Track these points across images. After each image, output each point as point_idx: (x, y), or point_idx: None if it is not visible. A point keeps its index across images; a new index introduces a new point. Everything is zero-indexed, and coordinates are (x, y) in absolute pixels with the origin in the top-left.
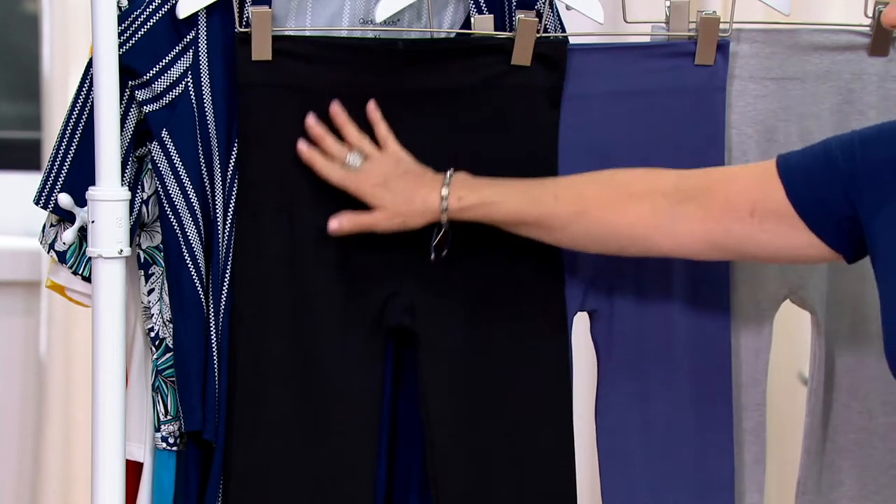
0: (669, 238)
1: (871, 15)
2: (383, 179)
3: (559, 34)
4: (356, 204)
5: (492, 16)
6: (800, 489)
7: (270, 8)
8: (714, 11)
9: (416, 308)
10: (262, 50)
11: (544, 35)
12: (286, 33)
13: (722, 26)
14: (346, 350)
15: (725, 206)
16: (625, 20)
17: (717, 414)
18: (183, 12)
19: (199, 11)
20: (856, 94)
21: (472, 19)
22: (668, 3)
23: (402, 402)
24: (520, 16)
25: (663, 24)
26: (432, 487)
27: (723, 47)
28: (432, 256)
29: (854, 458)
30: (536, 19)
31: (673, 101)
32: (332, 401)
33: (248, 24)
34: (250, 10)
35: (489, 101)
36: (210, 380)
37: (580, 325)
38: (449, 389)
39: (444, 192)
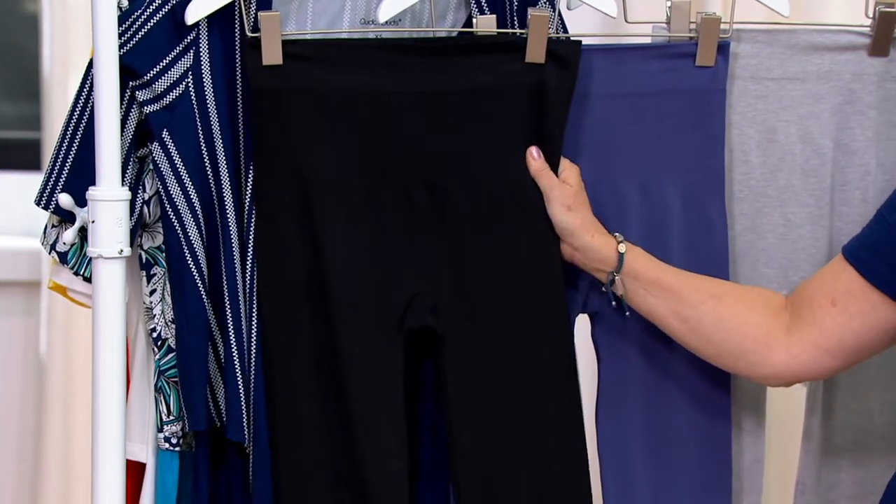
0: (784, 351)
1: (871, 15)
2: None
3: (561, 34)
4: (379, 205)
5: (494, 16)
6: (799, 489)
7: (271, 10)
8: (714, 13)
9: (439, 308)
10: (272, 54)
11: (555, 35)
12: (295, 37)
13: (722, 27)
14: (366, 352)
15: (811, 306)
16: (626, 20)
17: (716, 416)
18: (191, 18)
19: None
20: (856, 95)
21: (475, 20)
22: (668, 4)
23: (420, 402)
24: (532, 12)
25: (664, 25)
26: (453, 485)
27: (723, 48)
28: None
29: (853, 458)
30: (548, 14)
31: (673, 102)
32: (356, 403)
33: (255, 29)
34: (259, 14)
35: (504, 101)
36: (231, 381)
37: (581, 327)
38: (472, 389)
39: (622, 246)
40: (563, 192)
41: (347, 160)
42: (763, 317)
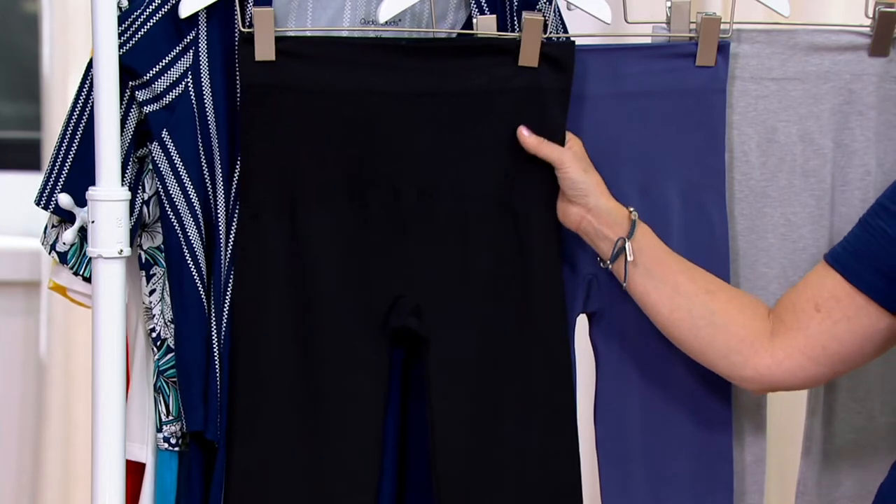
0: (769, 355)
1: (871, 15)
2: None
3: (561, 34)
4: (367, 205)
5: (494, 16)
6: (800, 489)
7: (271, 8)
8: (714, 13)
9: (422, 311)
10: (265, 50)
11: (551, 35)
12: (289, 34)
13: (722, 27)
14: (348, 352)
15: (795, 312)
16: (626, 20)
17: (716, 416)
18: (185, 12)
19: (199, 12)
20: (856, 95)
21: (475, 20)
22: (668, 4)
23: (413, 407)
24: (526, 15)
25: (664, 25)
26: (435, 492)
27: (723, 48)
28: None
29: (854, 459)
30: (542, 18)
31: (673, 102)
32: (334, 403)
33: (250, 25)
34: (253, 10)
35: (495, 104)
36: (212, 380)
37: (580, 327)
38: (455, 393)
39: (634, 214)
40: (577, 155)
41: (336, 158)
42: (751, 320)
